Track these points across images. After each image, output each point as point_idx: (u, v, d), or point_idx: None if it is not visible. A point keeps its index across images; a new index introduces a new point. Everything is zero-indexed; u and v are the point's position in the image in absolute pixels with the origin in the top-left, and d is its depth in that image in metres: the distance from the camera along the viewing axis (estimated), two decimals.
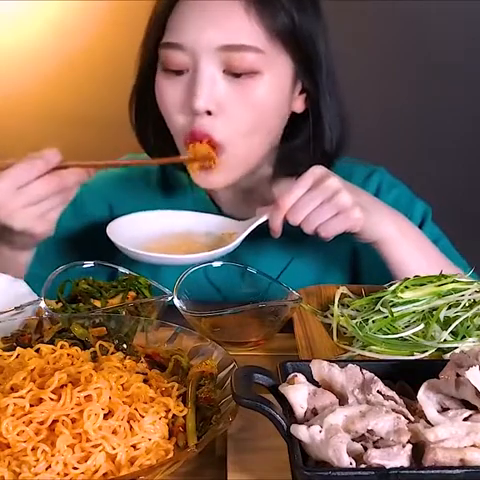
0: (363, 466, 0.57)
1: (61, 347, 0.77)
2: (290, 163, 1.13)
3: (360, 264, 1.20)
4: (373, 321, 0.91)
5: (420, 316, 0.91)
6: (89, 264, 1.04)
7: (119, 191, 1.25)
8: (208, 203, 1.20)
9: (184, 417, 0.70)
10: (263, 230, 1.04)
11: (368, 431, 0.60)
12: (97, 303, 0.95)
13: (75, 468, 0.62)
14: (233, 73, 1.01)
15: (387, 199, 1.13)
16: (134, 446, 0.66)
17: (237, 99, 1.02)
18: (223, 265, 1.04)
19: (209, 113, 1.01)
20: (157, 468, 0.63)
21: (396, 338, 0.89)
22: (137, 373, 0.75)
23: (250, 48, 1.00)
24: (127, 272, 1.02)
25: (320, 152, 1.11)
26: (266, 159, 1.13)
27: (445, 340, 0.87)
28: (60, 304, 0.96)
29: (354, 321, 0.91)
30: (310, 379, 0.67)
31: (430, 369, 0.68)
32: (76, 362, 0.74)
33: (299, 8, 1.03)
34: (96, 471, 0.63)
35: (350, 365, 0.68)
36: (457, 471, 0.57)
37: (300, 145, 1.12)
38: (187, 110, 1.03)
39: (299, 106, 1.11)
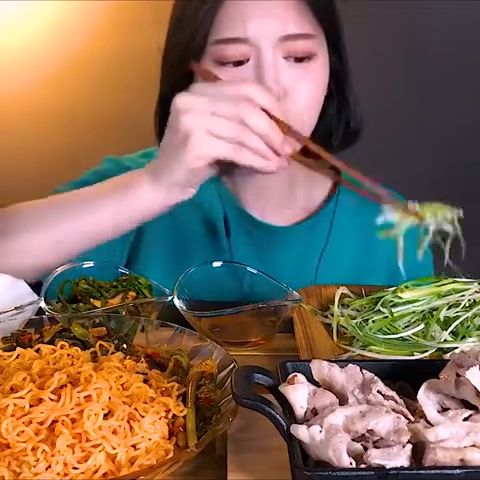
0: (363, 466, 0.57)
1: (61, 347, 0.77)
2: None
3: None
4: (373, 321, 0.91)
5: (420, 316, 0.91)
6: (89, 264, 1.04)
7: None
8: (231, 196, 1.21)
9: (184, 417, 0.70)
10: None
11: (368, 431, 0.60)
12: (97, 303, 0.95)
13: (75, 468, 0.62)
14: (293, 58, 1.05)
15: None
16: (134, 446, 0.66)
17: (300, 82, 1.06)
18: (223, 265, 1.04)
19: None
20: (157, 468, 0.63)
21: (396, 338, 0.89)
22: (137, 373, 0.75)
23: (307, 35, 1.05)
24: (127, 272, 1.02)
25: (343, 130, 1.18)
26: None
27: (445, 340, 0.87)
28: (60, 304, 0.96)
29: (354, 321, 0.91)
30: (310, 379, 0.67)
31: (430, 369, 0.68)
32: (76, 362, 0.74)
33: None
34: (96, 471, 0.63)
35: (350, 365, 0.68)
36: (457, 471, 0.57)
37: (324, 125, 1.16)
38: None
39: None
